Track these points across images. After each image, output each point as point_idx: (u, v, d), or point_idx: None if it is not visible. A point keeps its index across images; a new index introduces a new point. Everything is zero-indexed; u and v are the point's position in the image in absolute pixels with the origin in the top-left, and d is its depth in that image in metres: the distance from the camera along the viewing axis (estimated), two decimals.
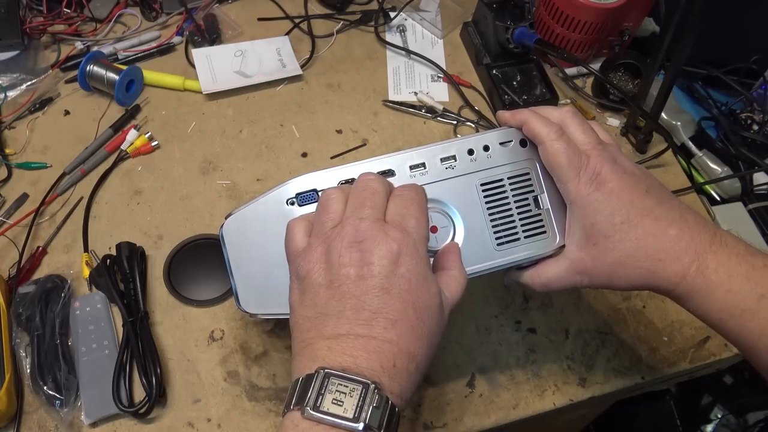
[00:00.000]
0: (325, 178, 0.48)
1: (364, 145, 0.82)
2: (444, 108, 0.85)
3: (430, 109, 0.85)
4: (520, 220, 0.49)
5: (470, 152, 0.49)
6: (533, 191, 0.50)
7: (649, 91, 0.78)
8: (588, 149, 0.46)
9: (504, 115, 0.50)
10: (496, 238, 0.49)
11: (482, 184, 0.49)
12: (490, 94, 0.87)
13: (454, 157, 0.49)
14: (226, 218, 0.50)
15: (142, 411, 0.59)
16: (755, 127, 0.87)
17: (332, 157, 0.80)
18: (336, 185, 0.47)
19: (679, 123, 0.85)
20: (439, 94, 0.88)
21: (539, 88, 0.86)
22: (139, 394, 0.61)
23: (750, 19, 0.91)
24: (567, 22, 0.83)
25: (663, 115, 0.85)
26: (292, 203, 0.48)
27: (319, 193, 0.48)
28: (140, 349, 0.62)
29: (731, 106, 0.89)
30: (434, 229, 0.48)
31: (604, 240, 0.44)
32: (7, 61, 0.84)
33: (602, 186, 0.44)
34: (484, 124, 0.84)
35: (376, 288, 0.38)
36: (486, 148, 0.49)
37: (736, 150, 0.83)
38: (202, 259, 0.70)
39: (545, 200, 0.49)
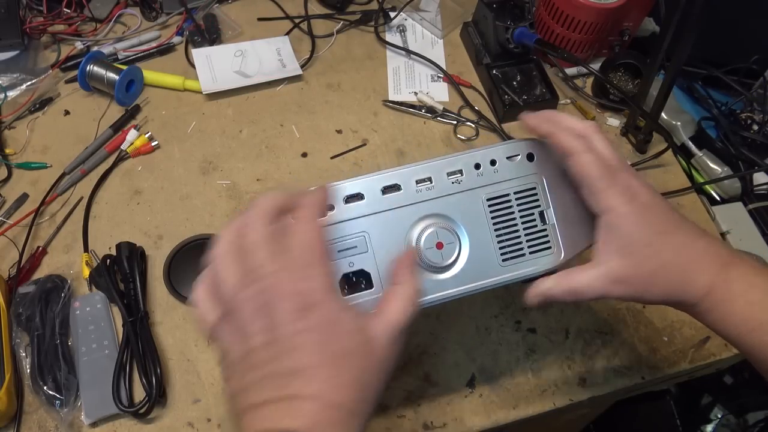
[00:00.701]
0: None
1: (364, 145, 0.82)
2: (444, 108, 0.85)
3: (430, 109, 0.85)
4: (525, 235, 0.49)
5: (477, 166, 0.48)
6: (539, 206, 0.49)
7: (649, 91, 0.78)
8: (614, 164, 0.46)
9: (531, 120, 0.49)
10: (502, 254, 0.48)
11: (488, 199, 0.48)
12: (490, 94, 0.87)
13: (460, 172, 0.48)
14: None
15: (142, 411, 0.59)
16: (755, 127, 0.87)
17: (332, 157, 0.80)
18: (225, 241, 0.41)
19: (679, 123, 0.85)
20: (439, 94, 0.88)
21: (539, 88, 0.86)
22: (139, 394, 0.61)
23: (750, 19, 0.91)
24: (567, 22, 0.83)
25: (663, 115, 0.85)
26: None
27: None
28: (140, 349, 0.62)
29: (731, 106, 0.89)
30: (440, 245, 0.47)
31: (643, 249, 0.44)
32: (7, 61, 0.84)
33: (636, 198, 0.45)
34: (484, 124, 0.84)
35: (288, 348, 0.37)
36: (493, 163, 0.48)
37: (736, 150, 0.83)
38: (202, 259, 0.70)
39: (551, 215, 0.49)
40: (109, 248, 0.70)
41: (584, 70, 0.90)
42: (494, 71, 0.87)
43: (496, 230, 0.48)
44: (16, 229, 0.71)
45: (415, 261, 0.46)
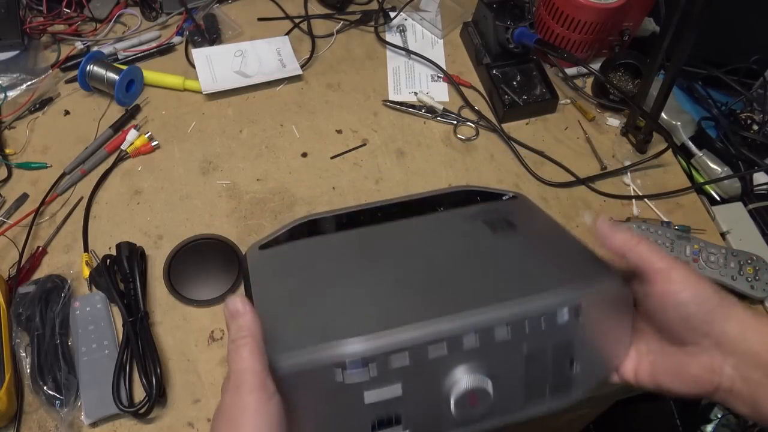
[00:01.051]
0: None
1: (364, 145, 0.82)
2: (444, 108, 0.85)
3: (430, 109, 0.85)
4: (552, 382, 0.45)
5: (520, 324, 0.42)
6: (571, 356, 0.44)
7: (649, 91, 0.78)
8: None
9: (615, 241, 0.43)
10: (525, 398, 0.44)
11: (527, 355, 0.43)
12: (490, 94, 0.87)
13: (506, 329, 0.42)
14: None
15: (142, 411, 0.59)
16: (755, 127, 0.87)
17: (332, 157, 0.80)
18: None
19: (679, 123, 0.85)
20: (439, 94, 0.88)
21: (539, 88, 0.86)
22: (139, 394, 0.61)
23: (750, 19, 0.91)
24: (567, 22, 0.83)
25: (663, 115, 0.85)
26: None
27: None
28: (140, 349, 0.62)
29: (731, 106, 0.89)
30: (473, 401, 0.41)
31: None
32: (7, 61, 0.84)
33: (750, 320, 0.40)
34: (484, 124, 0.84)
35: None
36: (536, 320, 0.42)
37: (736, 150, 0.84)
38: (202, 259, 0.70)
39: (578, 365, 0.45)
40: (109, 248, 0.70)
41: (584, 70, 0.90)
42: (494, 71, 0.87)
43: (527, 381, 0.44)
44: (16, 229, 0.71)
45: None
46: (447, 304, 0.41)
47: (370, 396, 0.38)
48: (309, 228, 0.55)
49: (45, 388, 0.59)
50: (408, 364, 0.38)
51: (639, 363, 0.45)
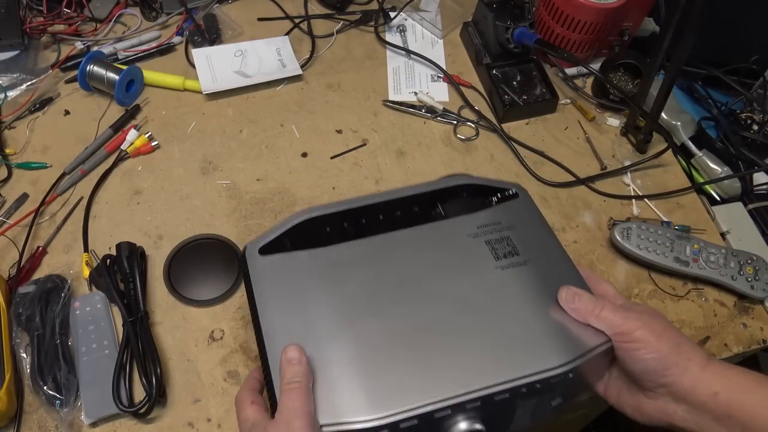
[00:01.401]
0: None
1: (364, 145, 0.82)
2: (444, 108, 0.85)
3: (430, 109, 0.85)
4: (534, 411, 0.49)
5: (518, 389, 0.46)
6: (556, 395, 0.49)
7: (649, 91, 0.78)
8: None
9: (584, 311, 0.48)
10: (509, 426, 0.49)
11: (518, 404, 0.47)
12: (490, 94, 0.87)
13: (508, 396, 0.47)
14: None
15: (142, 411, 0.59)
16: (755, 127, 0.87)
17: (332, 157, 0.80)
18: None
19: (679, 123, 0.85)
20: (439, 94, 0.88)
21: (539, 88, 0.86)
22: (139, 394, 0.61)
23: (750, 19, 0.91)
24: (567, 22, 0.83)
25: (663, 115, 0.85)
26: None
27: None
28: (140, 349, 0.62)
29: (731, 106, 0.89)
30: None
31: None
32: (7, 61, 0.84)
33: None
34: (484, 124, 0.84)
35: None
36: (532, 384, 0.46)
37: (736, 150, 0.84)
38: (202, 259, 0.70)
39: (559, 399, 0.50)
40: (109, 248, 0.70)
41: (584, 70, 0.90)
42: (494, 71, 0.87)
43: (514, 417, 0.49)
44: (16, 229, 0.71)
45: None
46: (454, 371, 0.46)
47: None
48: (308, 228, 0.55)
49: (45, 388, 0.59)
50: (416, 423, 0.44)
51: (608, 385, 0.51)
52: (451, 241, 0.54)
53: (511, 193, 0.58)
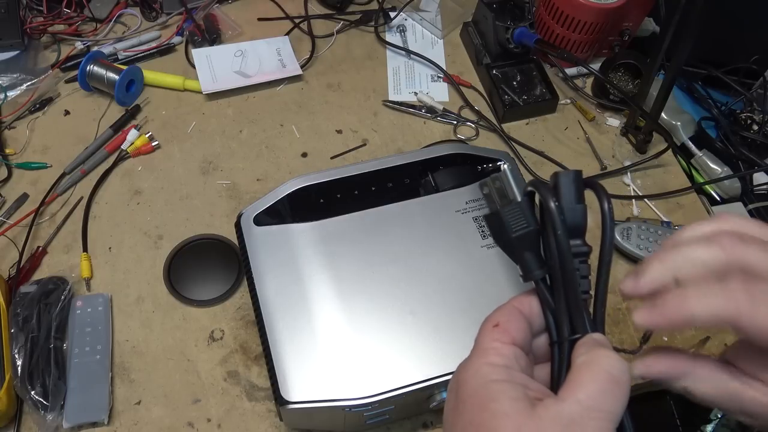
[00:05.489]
0: None
1: (364, 145, 0.82)
2: (444, 108, 0.85)
3: (430, 109, 0.85)
4: None
5: None
6: None
7: (649, 91, 0.78)
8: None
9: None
10: None
11: None
12: (490, 94, 0.87)
13: None
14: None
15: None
16: (755, 127, 0.87)
17: (332, 157, 0.80)
18: None
19: (679, 123, 0.85)
20: (439, 94, 0.88)
21: (539, 88, 0.86)
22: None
23: (750, 19, 0.91)
24: (567, 22, 0.83)
25: (663, 115, 0.85)
26: None
27: None
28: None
29: (731, 106, 0.89)
30: None
31: None
32: (7, 61, 0.84)
33: None
34: (484, 124, 0.84)
35: None
36: None
37: (736, 150, 0.83)
38: (202, 259, 0.70)
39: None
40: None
41: (584, 70, 0.90)
42: (494, 71, 0.87)
43: None
44: (16, 229, 0.71)
45: None
46: (440, 350, 0.49)
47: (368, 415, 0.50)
48: (302, 199, 0.57)
49: (33, 393, 0.58)
50: (403, 401, 0.49)
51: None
52: (440, 217, 0.56)
53: (498, 165, 0.61)
